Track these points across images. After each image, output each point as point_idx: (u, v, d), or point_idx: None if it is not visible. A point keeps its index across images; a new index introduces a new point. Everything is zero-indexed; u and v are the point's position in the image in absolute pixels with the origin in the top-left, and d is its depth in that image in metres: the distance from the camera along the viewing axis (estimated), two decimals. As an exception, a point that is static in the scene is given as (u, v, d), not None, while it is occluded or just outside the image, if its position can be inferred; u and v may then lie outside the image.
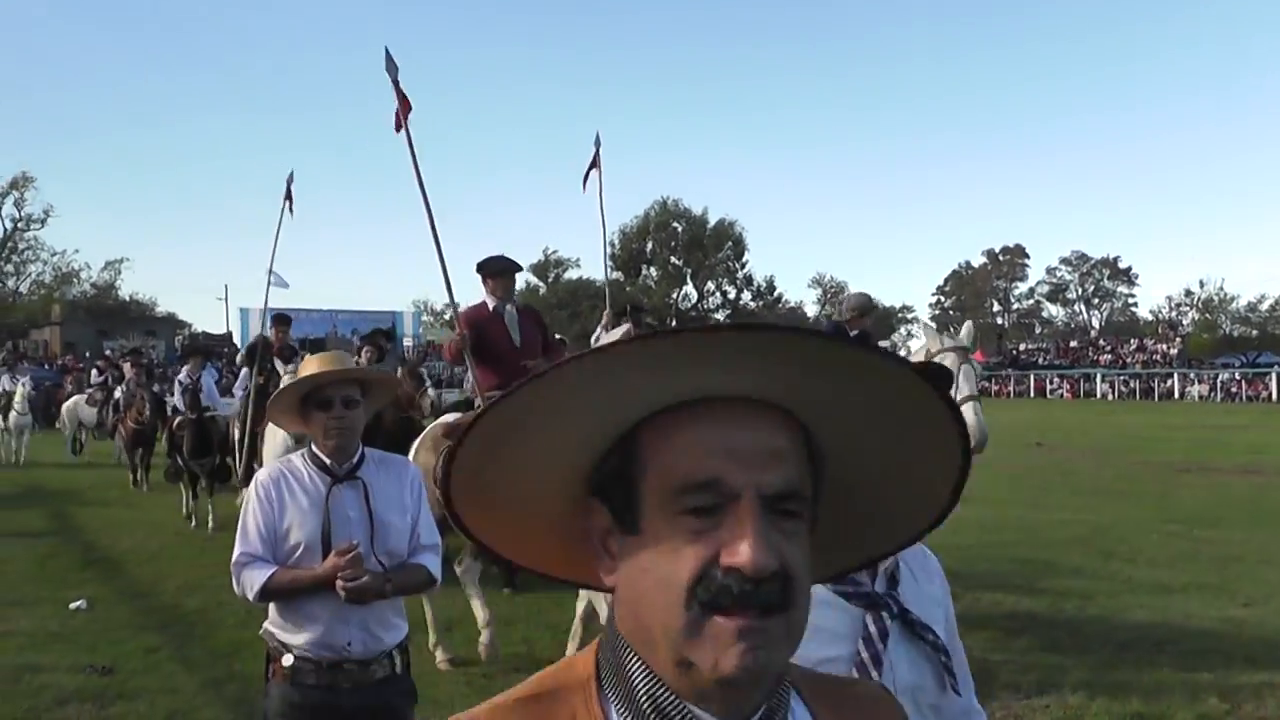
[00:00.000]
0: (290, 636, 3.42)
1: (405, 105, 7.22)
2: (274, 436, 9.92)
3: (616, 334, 6.55)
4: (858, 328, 8.16)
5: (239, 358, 12.52)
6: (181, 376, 14.57)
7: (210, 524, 13.09)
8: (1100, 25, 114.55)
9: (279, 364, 10.42)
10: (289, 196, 11.07)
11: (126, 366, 21.62)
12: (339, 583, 3.24)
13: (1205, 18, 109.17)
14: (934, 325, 6.76)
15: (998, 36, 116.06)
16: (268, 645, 3.50)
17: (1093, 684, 6.32)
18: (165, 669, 7.07)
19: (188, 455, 13.55)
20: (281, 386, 10.37)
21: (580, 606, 6.87)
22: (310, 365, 3.58)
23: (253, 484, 3.52)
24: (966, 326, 7.01)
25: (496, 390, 6.96)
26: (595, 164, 10.23)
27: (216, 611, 8.70)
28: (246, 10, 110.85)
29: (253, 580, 3.38)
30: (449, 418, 7.63)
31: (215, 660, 7.29)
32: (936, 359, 6.40)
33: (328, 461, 3.49)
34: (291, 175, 11.10)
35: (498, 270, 7.56)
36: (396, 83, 7.22)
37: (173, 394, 18.87)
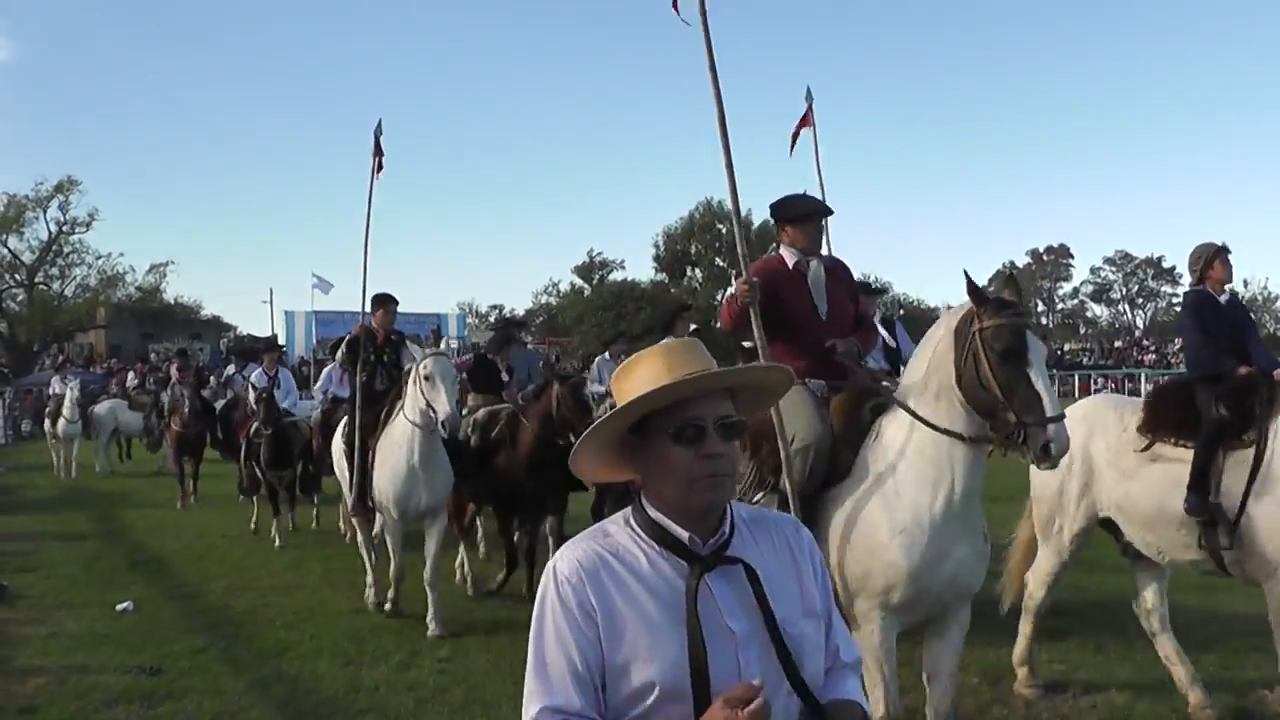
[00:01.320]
0: None
1: None
2: (392, 454, 8.24)
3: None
4: (1220, 278, 6.21)
5: (339, 354, 10.56)
6: (255, 376, 13.29)
7: (277, 541, 12.32)
8: (1145, 25, 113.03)
9: (414, 349, 8.48)
10: (378, 152, 9.35)
11: (173, 369, 21.39)
12: None
13: (1252, 16, 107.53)
14: None
15: (1043, 35, 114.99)
16: None
17: (1138, 683, 6.24)
18: (212, 670, 7.12)
19: (265, 466, 12.27)
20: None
21: None
22: (652, 363, 2.06)
23: (548, 581, 2.03)
24: None
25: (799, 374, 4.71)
26: (807, 121, 8.52)
27: (264, 612, 8.80)
28: (296, 10, 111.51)
29: None
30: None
31: (262, 661, 7.35)
32: None
33: (683, 535, 2.00)
34: (380, 125, 9.38)
35: (802, 214, 5.40)
36: None
37: (223, 397, 18.74)
